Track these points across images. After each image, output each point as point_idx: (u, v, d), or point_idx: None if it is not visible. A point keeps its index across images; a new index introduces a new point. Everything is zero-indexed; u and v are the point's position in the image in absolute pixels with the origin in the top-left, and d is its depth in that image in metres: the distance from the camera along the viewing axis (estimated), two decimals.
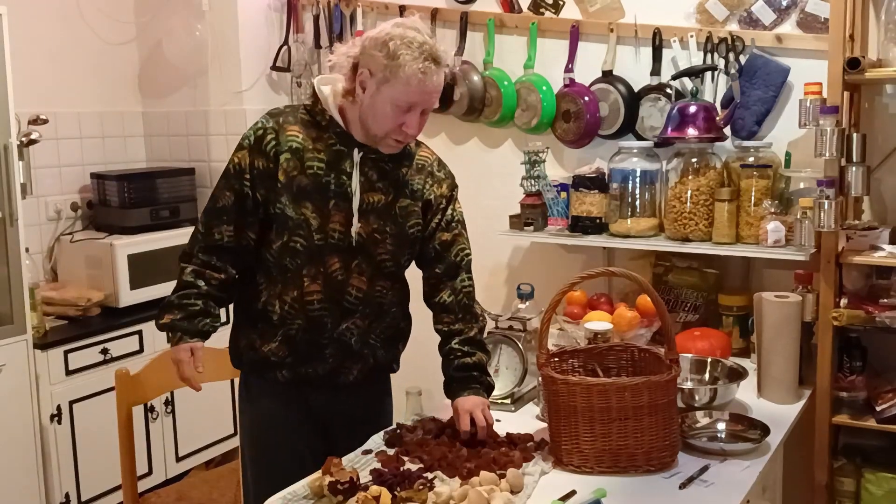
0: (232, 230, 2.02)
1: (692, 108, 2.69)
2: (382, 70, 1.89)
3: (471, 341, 2.10)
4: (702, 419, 2.14)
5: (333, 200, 1.99)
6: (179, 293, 2.04)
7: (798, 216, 2.51)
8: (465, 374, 2.08)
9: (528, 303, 2.44)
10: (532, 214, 2.98)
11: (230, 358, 2.16)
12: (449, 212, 2.14)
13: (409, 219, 2.06)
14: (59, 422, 3.09)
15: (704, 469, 1.90)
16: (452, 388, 2.09)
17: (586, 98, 2.99)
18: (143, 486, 3.03)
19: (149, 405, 3.31)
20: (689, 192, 2.71)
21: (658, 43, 2.92)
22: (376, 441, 2.05)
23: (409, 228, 2.07)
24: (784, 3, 2.75)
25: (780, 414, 2.25)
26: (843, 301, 2.50)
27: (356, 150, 2.00)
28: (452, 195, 2.16)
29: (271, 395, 2.11)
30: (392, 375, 2.24)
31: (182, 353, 2.04)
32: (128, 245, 3.41)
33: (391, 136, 1.97)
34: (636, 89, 2.97)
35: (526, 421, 2.20)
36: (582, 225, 2.88)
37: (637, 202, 2.85)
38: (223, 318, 2.21)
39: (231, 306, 2.17)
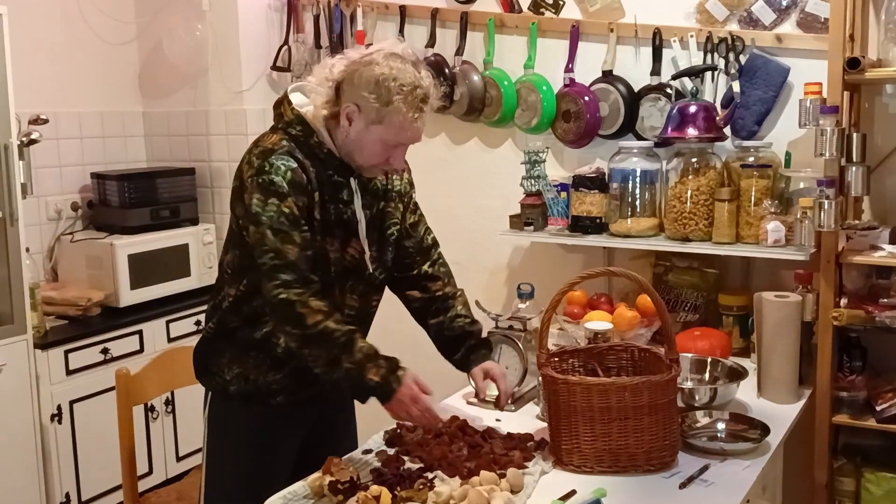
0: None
1: (692, 108, 2.69)
2: (375, 112, 1.84)
3: (467, 307, 2.16)
4: (702, 419, 2.14)
5: (338, 230, 1.95)
6: (351, 350, 1.83)
7: (798, 216, 2.51)
8: (484, 340, 2.15)
9: (528, 303, 2.44)
10: (532, 214, 2.98)
11: (205, 382, 2.08)
12: (413, 195, 2.16)
13: (387, 219, 2.06)
14: (60, 421, 3.09)
15: (704, 469, 1.90)
16: (477, 354, 2.12)
17: (586, 98, 2.99)
18: (143, 485, 3.02)
19: (149, 405, 3.31)
20: (689, 192, 2.71)
21: (658, 43, 2.92)
22: (376, 441, 2.05)
23: (387, 230, 2.06)
24: (784, 3, 2.75)
25: (780, 414, 2.25)
26: (843, 301, 2.50)
27: (352, 179, 1.97)
28: (411, 178, 2.17)
29: (260, 425, 2.04)
30: None
31: (412, 390, 1.85)
32: (128, 245, 3.41)
33: (377, 167, 1.95)
34: (636, 89, 2.97)
35: (526, 421, 2.20)
36: (582, 225, 2.88)
37: (637, 202, 2.84)
38: None
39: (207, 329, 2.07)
